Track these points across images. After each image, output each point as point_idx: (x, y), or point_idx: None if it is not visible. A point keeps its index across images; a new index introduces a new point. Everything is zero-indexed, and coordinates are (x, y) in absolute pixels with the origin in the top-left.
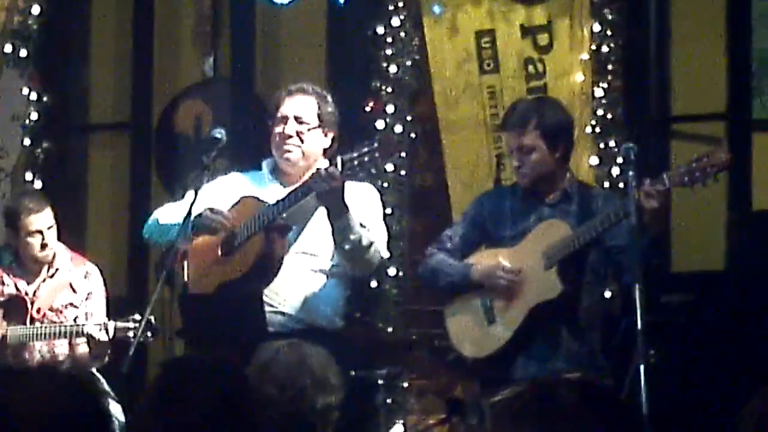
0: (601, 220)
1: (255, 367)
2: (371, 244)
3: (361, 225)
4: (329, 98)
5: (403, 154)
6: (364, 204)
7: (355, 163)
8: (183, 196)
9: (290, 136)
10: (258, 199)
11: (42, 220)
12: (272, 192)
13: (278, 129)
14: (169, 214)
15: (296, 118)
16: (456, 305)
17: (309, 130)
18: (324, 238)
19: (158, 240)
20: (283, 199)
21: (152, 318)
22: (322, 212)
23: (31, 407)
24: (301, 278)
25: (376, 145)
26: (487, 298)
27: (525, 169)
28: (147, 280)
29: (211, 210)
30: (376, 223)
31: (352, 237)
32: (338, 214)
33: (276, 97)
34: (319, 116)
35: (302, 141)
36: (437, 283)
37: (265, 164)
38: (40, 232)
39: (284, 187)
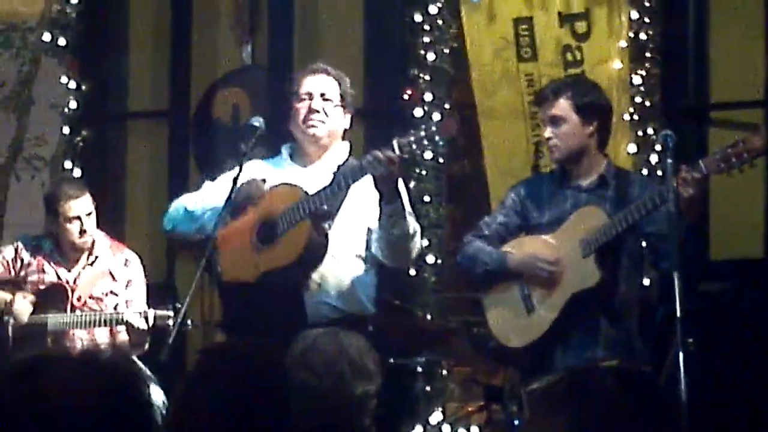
0: (638, 207)
1: (293, 355)
2: (416, 233)
3: (409, 213)
4: (347, 79)
5: (441, 142)
6: (401, 191)
7: (413, 146)
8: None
9: (317, 111)
10: (293, 185)
11: (81, 206)
12: (293, 174)
13: (303, 105)
14: (194, 202)
15: (321, 95)
16: (495, 294)
17: (334, 107)
18: (356, 223)
19: (187, 229)
20: (327, 187)
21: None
22: (353, 197)
23: (72, 394)
24: (335, 265)
25: (434, 128)
26: (525, 287)
27: (555, 140)
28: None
29: (249, 183)
30: (410, 210)
31: (401, 225)
32: (392, 199)
33: (298, 75)
34: (341, 95)
35: (328, 116)
36: (475, 270)
37: (284, 149)
38: (79, 218)
39: (304, 167)
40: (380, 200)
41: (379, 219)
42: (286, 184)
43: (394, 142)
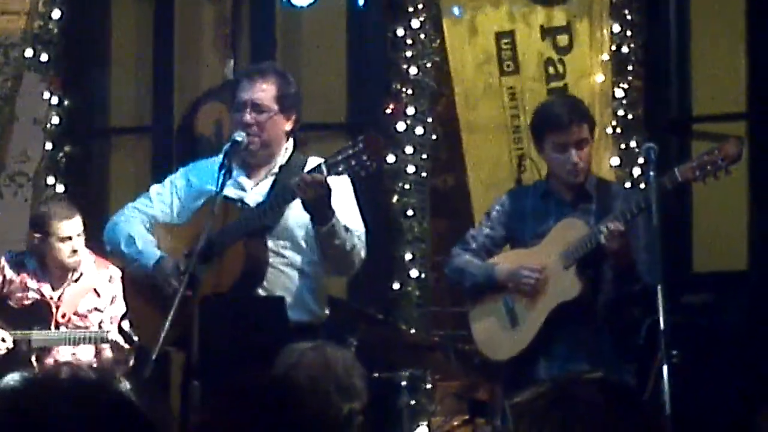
0: (616, 217)
1: (278, 372)
2: (354, 246)
3: (345, 229)
4: (289, 78)
5: (424, 156)
6: (341, 200)
7: (340, 167)
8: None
9: (250, 125)
10: (228, 198)
11: (73, 227)
12: (232, 187)
13: (237, 116)
14: (128, 232)
15: (255, 106)
16: (480, 307)
17: (269, 118)
18: (297, 232)
19: (126, 258)
20: (263, 204)
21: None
22: (294, 205)
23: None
24: (280, 277)
25: (361, 145)
26: (509, 300)
27: (582, 164)
28: None
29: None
30: (354, 218)
31: (336, 242)
32: (324, 221)
33: (235, 80)
34: (279, 100)
35: (262, 130)
36: (463, 283)
37: (225, 149)
38: (71, 239)
39: (248, 177)
40: (312, 221)
41: (315, 238)
42: (223, 199)
43: (322, 164)
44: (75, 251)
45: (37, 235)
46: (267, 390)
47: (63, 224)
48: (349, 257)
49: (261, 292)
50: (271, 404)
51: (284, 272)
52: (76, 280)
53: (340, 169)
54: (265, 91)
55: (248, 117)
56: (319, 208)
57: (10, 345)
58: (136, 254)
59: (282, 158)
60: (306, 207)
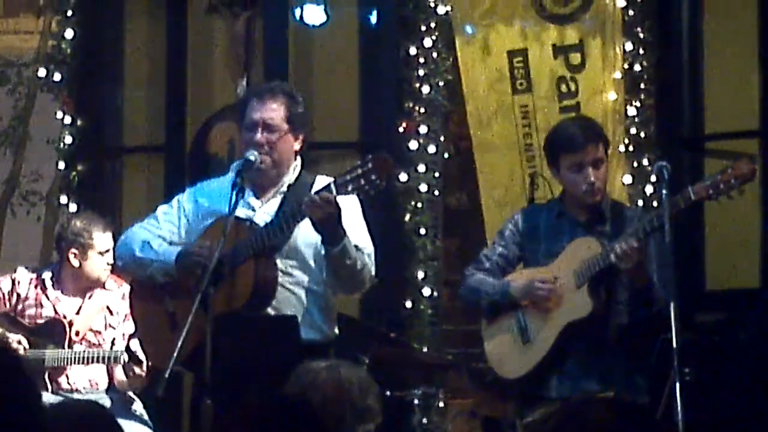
0: (629, 236)
1: (293, 391)
2: (364, 266)
3: (356, 248)
4: (298, 98)
5: (437, 174)
6: (350, 219)
7: (349, 187)
8: None
9: (261, 145)
10: (238, 218)
11: (110, 240)
12: (247, 203)
13: (248, 136)
14: (142, 247)
15: (266, 126)
16: (493, 326)
17: (279, 138)
18: (306, 251)
19: (138, 275)
20: (272, 224)
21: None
22: (302, 225)
23: None
24: (289, 296)
25: (370, 165)
26: (522, 317)
27: (599, 183)
28: None
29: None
30: (363, 237)
31: (348, 262)
32: (334, 241)
33: (244, 99)
34: (288, 119)
35: (273, 149)
36: (478, 303)
37: (233, 168)
38: (108, 251)
39: (256, 197)
40: (322, 242)
41: (325, 258)
42: (234, 219)
43: (331, 184)
44: (110, 264)
45: (74, 251)
46: (281, 411)
47: (103, 237)
48: (360, 276)
49: (270, 311)
50: (286, 426)
51: (293, 291)
52: (90, 297)
53: (350, 188)
54: (275, 111)
55: (259, 137)
56: (329, 228)
57: (27, 345)
58: (153, 255)
59: (290, 177)
60: (316, 227)
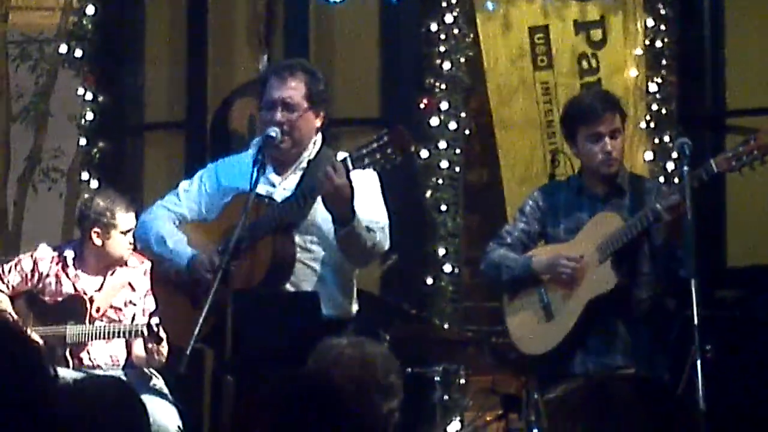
0: (651, 211)
1: (316, 368)
2: (375, 244)
3: (367, 229)
4: (318, 74)
5: (458, 151)
6: (366, 193)
7: (366, 160)
8: None
9: (281, 124)
10: (258, 195)
11: (132, 220)
12: (267, 180)
13: (268, 115)
14: (161, 233)
15: (286, 104)
16: (515, 302)
17: (300, 116)
18: (325, 227)
19: (158, 256)
20: (290, 199)
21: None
22: (319, 199)
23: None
24: (307, 272)
25: (386, 138)
26: (544, 294)
27: (616, 153)
28: None
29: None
30: (379, 211)
31: (354, 243)
32: (344, 222)
33: (263, 77)
34: (308, 97)
35: (293, 128)
36: (500, 277)
37: (253, 146)
38: (131, 231)
39: (277, 173)
40: (333, 221)
41: (335, 237)
42: (253, 195)
43: (347, 158)
44: (131, 244)
45: (97, 230)
46: (302, 388)
47: (125, 217)
48: (368, 253)
49: (289, 287)
50: (312, 405)
51: (312, 267)
52: (111, 274)
53: (366, 162)
54: (295, 89)
55: (279, 116)
56: (340, 207)
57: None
58: (167, 254)
59: (310, 153)
60: (326, 206)
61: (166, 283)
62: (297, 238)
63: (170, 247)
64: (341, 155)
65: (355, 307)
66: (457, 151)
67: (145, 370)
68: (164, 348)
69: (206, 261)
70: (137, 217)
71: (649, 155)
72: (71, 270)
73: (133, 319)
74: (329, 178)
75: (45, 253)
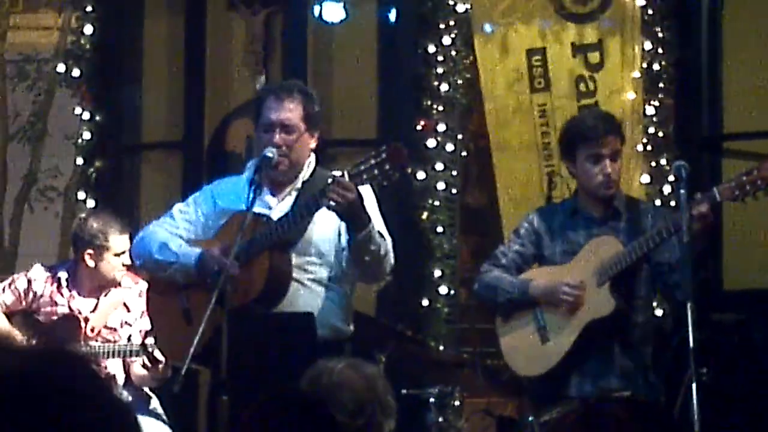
0: (651, 236)
1: (316, 388)
2: (387, 253)
3: (380, 234)
4: (313, 96)
5: (454, 172)
6: (368, 209)
7: (363, 177)
8: None
9: (279, 146)
10: (256, 214)
11: (126, 242)
12: (263, 201)
13: (266, 137)
14: (161, 248)
15: (284, 126)
16: (509, 324)
17: (298, 137)
18: (322, 246)
19: (156, 273)
20: (287, 216)
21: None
22: (318, 220)
23: None
24: (304, 292)
25: (383, 155)
26: (540, 317)
27: (615, 175)
28: None
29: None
30: (383, 226)
31: (372, 248)
32: (361, 227)
33: (261, 98)
34: (305, 119)
35: (291, 150)
36: (495, 299)
37: (249, 167)
38: (124, 253)
39: (272, 194)
40: (348, 230)
41: (349, 246)
42: (248, 213)
43: (345, 174)
44: (125, 266)
45: (90, 252)
46: (295, 408)
47: (119, 239)
48: (383, 263)
49: (285, 307)
50: (300, 423)
51: (308, 287)
52: (106, 294)
53: (363, 178)
54: (292, 111)
55: (278, 138)
56: (354, 214)
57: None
58: (173, 258)
59: (305, 174)
60: (340, 216)
61: (161, 302)
62: (294, 258)
63: (175, 250)
64: (337, 174)
65: (351, 328)
66: (454, 172)
67: (144, 390)
68: (165, 368)
69: (216, 254)
70: (131, 240)
71: (645, 178)
72: (65, 291)
73: (129, 339)
74: (335, 192)
75: (39, 273)
